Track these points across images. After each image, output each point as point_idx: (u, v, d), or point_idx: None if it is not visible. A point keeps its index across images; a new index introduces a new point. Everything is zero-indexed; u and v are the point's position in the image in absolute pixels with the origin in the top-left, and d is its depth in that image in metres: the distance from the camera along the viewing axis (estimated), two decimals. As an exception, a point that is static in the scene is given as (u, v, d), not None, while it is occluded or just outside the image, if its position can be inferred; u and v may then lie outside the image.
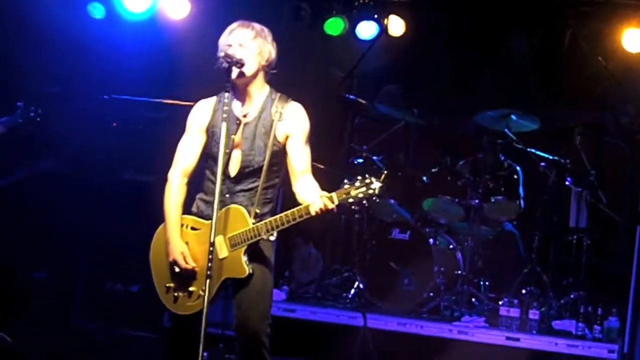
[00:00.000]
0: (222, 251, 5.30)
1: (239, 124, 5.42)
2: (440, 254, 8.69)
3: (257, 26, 5.45)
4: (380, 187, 5.01)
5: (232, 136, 5.38)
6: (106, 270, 8.97)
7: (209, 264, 5.09)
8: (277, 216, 5.19)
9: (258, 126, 5.39)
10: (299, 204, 5.19)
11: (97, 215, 9.00)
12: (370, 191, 5.00)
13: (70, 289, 8.84)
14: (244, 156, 5.38)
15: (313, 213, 5.09)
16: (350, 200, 5.04)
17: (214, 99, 5.52)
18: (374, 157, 9.10)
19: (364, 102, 9.26)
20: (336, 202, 5.04)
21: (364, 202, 5.11)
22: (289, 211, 5.16)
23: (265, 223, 5.21)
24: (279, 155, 5.41)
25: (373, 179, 5.02)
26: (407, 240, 8.71)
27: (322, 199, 5.04)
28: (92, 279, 8.93)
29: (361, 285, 8.69)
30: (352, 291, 8.79)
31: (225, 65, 5.23)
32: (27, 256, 8.68)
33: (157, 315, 8.28)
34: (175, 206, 5.46)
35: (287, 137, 5.40)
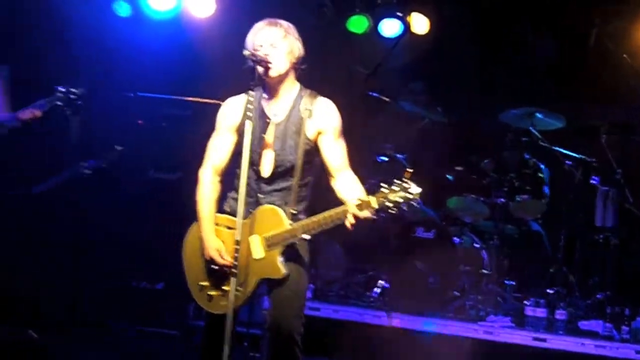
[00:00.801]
0: (259, 251, 5.23)
1: (269, 123, 5.34)
2: (465, 252, 8.59)
3: (285, 24, 5.38)
4: (420, 193, 4.88)
5: (263, 135, 5.30)
6: (132, 268, 8.86)
7: (235, 262, 5.04)
8: (314, 218, 5.11)
9: (288, 125, 5.32)
10: (339, 201, 5.15)
11: (122, 213, 8.92)
12: (409, 196, 4.87)
13: (98, 286, 8.74)
14: (276, 156, 5.31)
15: (350, 221, 4.99)
16: (389, 204, 4.91)
17: (243, 96, 5.41)
18: (398, 155, 9.00)
19: (388, 100, 9.16)
20: (375, 207, 4.93)
21: (404, 207, 4.91)
22: (326, 213, 5.08)
23: (302, 225, 5.14)
24: (311, 153, 5.33)
25: (412, 183, 4.88)
26: (432, 239, 8.58)
27: (361, 205, 4.94)
28: (118, 277, 8.83)
29: (385, 284, 8.56)
30: (377, 290, 8.64)
31: (252, 63, 5.16)
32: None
33: (181, 313, 8.24)
34: (208, 204, 5.40)
35: (318, 134, 5.32)
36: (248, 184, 5.24)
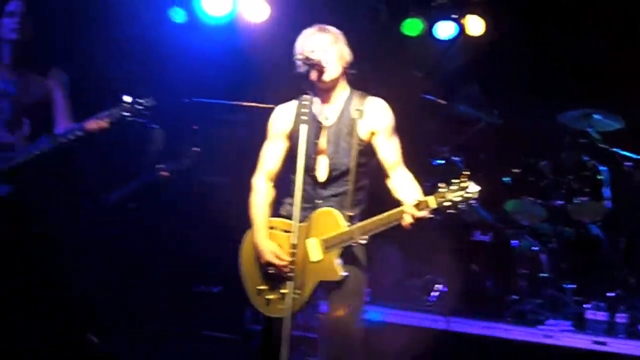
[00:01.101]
0: (316, 254, 5.23)
1: (321, 128, 5.34)
2: (524, 256, 8.50)
3: (334, 30, 5.42)
4: (479, 191, 4.85)
5: (316, 140, 5.31)
6: (188, 272, 8.90)
7: (292, 265, 5.04)
8: (371, 219, 5.11)
9: (340, 127, 5.32)
10: (396, 200, 5.13)
11: (177, 217, 8.95)
12: (468, 195, 4.86)
13: (156, 289, 8.78)
14: (330, 160, 5.32)
15: (408, 220, 4.97)
16: (447, 204, 4.90)
17: (293, 103, 5.47)
18: (454, 158, 8.95)
19: (443, 102, 9.15)
20: (433, 207, 4.91)
21: (462, 206, 4.87)
22: (383, 214, 5.07)
23: (359, 227, 5.13)
24: (366, 154, 5.33)
25: (470, 182, 4.87)
26: (489, 242, 8.62)
27: (419, 205, 4.93)
28: (175, 281, 8.87)
29: (443, 288, 8.53)
30: (434, 294, 8.63)
31: (305, 68, 5.17)
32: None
33: (239, 316, 8.24)
34: (262, 209, 5.43)
35: (372, 134, 5.33)
36: (305, 190, 5.27)
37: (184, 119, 9.13)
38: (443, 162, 8.91)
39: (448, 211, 4.91)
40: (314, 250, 5.23)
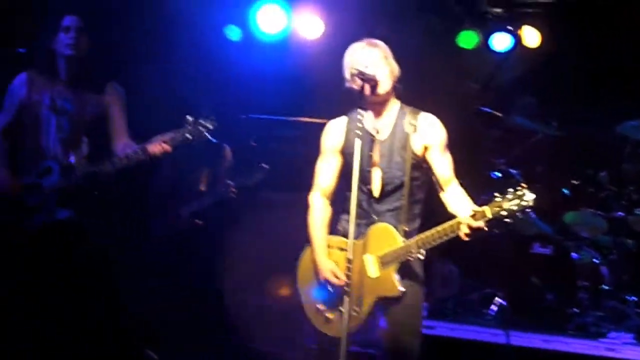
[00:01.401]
0: (374, 270, 5.24)
1: (374, 141, 5.36)
2: (584, 268, 8.42)
3: (382, 44, 5.44)
4: (535, 199, 4.83)
5: (370, 153, 5.32)
6: (248, 287, 8.94)
7: (348, 281, 5.01)
8: (428, 232, 5.10)
9: (394, 142, 5.34)
10: (450, 214, 5.14)
11: (236, 232, 8.99)
12: (524, 203, 4.83)
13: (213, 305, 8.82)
14: (383, 173, 5.33)
15: (464, 231, 4.96)
16: (504, 213, 4.87)
17: (344, 118, 5.51)
18: (512, 170, 8.88)
19: (500, 114, 9.08)
20: (489, 217, 4.88)
21: (518, 214, 4.85)
22: (439, 227, 5.06)
23: (416, 240, 5.12)
24: (420, 168, 5.34)
25: (525, 190, 4.85)
26: (549, 255, 8.57)
27: (476, 216, 4.92)
28: (235, 296, 8.91)
29: (503, 302, 8.47)
30: (493, 307, 8.57)
31: (358, 82, 5.20)
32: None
33: (296, 333, 8.24)
34: (320, 227, 5.46)
35: (425, 149, 5.34)
36: (361, 206, 5.30)
37: (241, 135, 9.20)
38: (500, 174, 8.85)
39: (505, 220, 4.88)
40: (371, 267, 5.24)
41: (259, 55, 9.80)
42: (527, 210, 4.86)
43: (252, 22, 9.70)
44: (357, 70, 5.20)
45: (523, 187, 4.87)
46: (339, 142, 5.47)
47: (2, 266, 6.12)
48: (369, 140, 5.35)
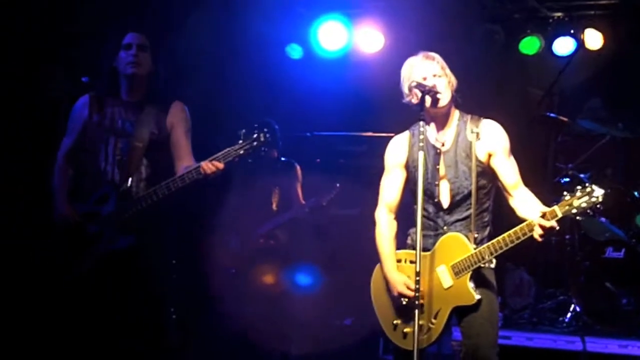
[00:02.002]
0: (447, 280, 5.26)
1: (439, 154, 5.40)
2: None
3: (438, 56, 5.45)
4: (604, 194, 4.83)
5: (437, 167, 5.36)
6: (320, 303, 9.00)
7: (417, 293, 5.02)
8: (500, 237, 5.10)
9: (458, 151, 5.36)
10: (519, 220, 5.11)
11: (307, 249, 9.06)
12: (594, 199, 4.84)
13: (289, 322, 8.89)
14: (451, 184, 5.36)
15: (537, 232, 4.96)
16: (574, 211, 4.88)
17: (406, 133, 5.56)
18: (581, 175, 8.82)
19: (565, 119, 8.98)
20: (560, 216, 4.90)
21: (589, 212, 4.86)
22: (511, 231, 5.07)
23: (488, 246, 5.13)
24: (485, 175, 5.36)
25: (594, 186, 4.86)
26: (623, 259, 8.38)
27: (546, 216, 4.92)
28: (306, 313, 8.97)
29: (577, 308, 8.40)
30: (569, 315, 8.49)
31: (419, 94, 5.22)
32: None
33: (372, 348, 8.28)
34: (388, 243, 5.49)
35: (489, 156, 5.35)
36: (430, 218, 5.37)
37: (307, 153, 9.29)
38: (569, 179, 8.79)
39: (577, 218, 4.90)
40: (445, 277, 5.26)
41: (321, 72, 9.98)
42: (598, 206, 4.86)
43: (313, 40, 9.88)
44: (416, 82, 5.24)
45: (591, 185, 4.88)
46: (403, 157, 5.50)
47: (66, 297, 5.94)
48: (434, 153, 5.39)
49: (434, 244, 5.35)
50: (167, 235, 6.13)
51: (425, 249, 5.29)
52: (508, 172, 5.35)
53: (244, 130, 5.73)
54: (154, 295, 5.95)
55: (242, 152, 5.68)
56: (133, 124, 6.04)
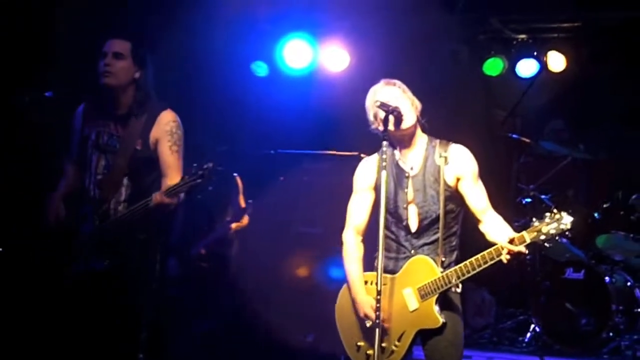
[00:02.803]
0: (413, 303, 5.29)
1: (407, 177, 5.44)
2: (618, 291, 8.43)
3: (400, 82, 5.47)
4: (573, 222, 4.91)
5: (405, 190, 5.41)
6: (282, 321, 9.05)
7: (377, 313, 5.05)
8: (467, 261, 5.14)
9: (426, 175, 5.38)
10: (488, 244, 5.16)
11: (270, 267, 9.13)
12: (562, 226, 4.91)
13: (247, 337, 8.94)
14: (419, 208, 5.39)
15: (505, 257, 5.02)
16: (542, 237, 4.95)
17: (375, 156, 5.55)
18: (542, 196, 9.01)
19: (528, 140, 9.20)
20: (528, 242, 4.96)
21: (557, 238, 4.98)
22: (478, 255, 5.11)
23: (455, 270, 5.17)
24: (454, 200, 5.39)
25: (563, 213, 4.93)
26: (582, 280, 8.54)
27: (514, 241, 4.99)
28: (269, 330, 9.02)
29: (537, 328, 8.55)
30: (529, 334, 8.71)
31: (382, 115, 5.26)
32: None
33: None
34: (355, 264, 5.52)
35: (457, 180, 5.37)
36: (398, 241, 5.41)
37: (270, 170, 9.35)
38: (531, 200, 8.98)
39: (545, 245, 4.99)
40: (411, 300, 5.29)
41: (286, 90, 10.04)
42: (566, 233, 4.97)
43: (278, 57, 9.95)
44: (380, 102, 5.26)
45: (560, 211, 4.96)
46: (372, 179, 5.53)
47: (39, 313, 5.98)
48: (402, 177, 5.44)
49: (401, 266, 5.38)
50: (141, 258, 5.81)
51: (392, 272, 5.35)
52: (477, 196, 5.37)
53: (195, 165, 5.53)
54: (125, 316, 5.77)
55: (192, 184, 5.44)
56: (119, 139, 5.77)
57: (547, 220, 4.93)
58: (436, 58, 9.93)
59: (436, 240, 5.34)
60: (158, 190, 5.60)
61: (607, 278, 8.45)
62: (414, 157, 5.46)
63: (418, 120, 5.43)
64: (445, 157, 5.37)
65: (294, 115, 9.75)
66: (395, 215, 5.39)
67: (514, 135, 9.25)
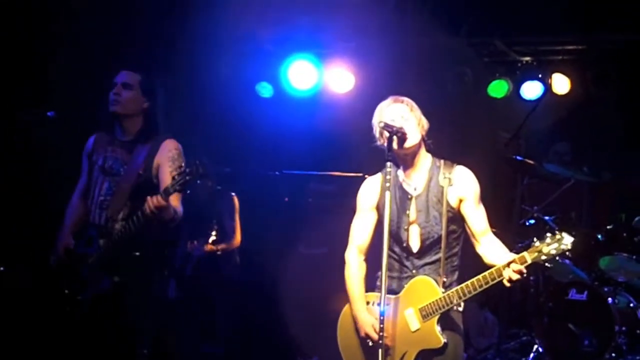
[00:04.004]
0: (415, 323, 5.43)
1: (410, 199, 5.57)
2: (621, 313, 8.49)
3: (408, 99, 5.61)
4: (573, 242, 5.04)
5: (407, 211, 5.54)
6: (286, 339, 9.20)
7: (380, 333, 5.21)
8: (469, 282, 5.27)
9: (429, 196, 5.52)
10: (487, 267, 5.30)
11: (273, 288, 9.28)
12: (563, 246, 5.04)
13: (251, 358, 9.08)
14: (422, 229, 5.52)
15: (507, 277, 5.14)
16: (543, 258, 5.08)
17: (378, 175, 5.69)
18: (546, 218, 9.12)
19: (532, 162, 9.28)
20: (529, 262, 5.09)
21: (559, 259, 5.15)
22: (480, 275, 5.24)
23: (457, 290, 5.31)
24: (456, 221, 5.53)
25: (564, 234, 5.06)
26: (585, 301, 8.59)
27: (515, 261, 5.11)
28: (276, 348, 9.17)
29: (540, 349, 8.66)
30: (532, 355, 8.76)
31: (386, 135, 5.36)
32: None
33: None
34: (357, 284, 5.67)
35: (460, 202, 5.51)
36: (399, 262, 5.56)
37: (275, 191, 9.51)
38: (535, 222, 9.10)
39: (547, 264, 5.12)
40: (412, 320, 5.43)
41: (291, 111, 10.27)
42: (567, 253, 5.10)
43: (283, 79, 10.16)
44: (384, 123, 5.38)
45: (561, 231, 5.09)
46: (375, 199, 5.67)
47: (59, 339, 6.10)
48: (405, 197, 5.58)
49: (404, 286, 5.52)
50: (140, 275, 6.05)
51: (394, 292, 5.50)
52: (477, 219, 5.50)
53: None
54: (125, 334, 5.99)
55: (177, 187, 5.67)
56: (124, 164, 6.12)
57: (547, 240, 5.07)
58: (441, 80, 10.14)
59: (438, 260, 5.48)
60: None
61: (610, 299, 8.51)
62: (418, 177, 5.60)
63: (423, 140, 5.57)
64: (450, 179, 5.51)
65: (299, 136, 9.93)
66: (396, 237, 5.53)
67: (518, 157, 9.32)
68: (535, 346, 8.76)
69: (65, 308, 6.04)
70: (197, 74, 9.42)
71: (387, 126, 5.36)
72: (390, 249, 5.46)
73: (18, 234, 7.53)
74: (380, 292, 5.34)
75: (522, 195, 9.76)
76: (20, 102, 7.49)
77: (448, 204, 5.49)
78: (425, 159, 5.63)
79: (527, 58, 10.21)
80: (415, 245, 5.55)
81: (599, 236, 8.99)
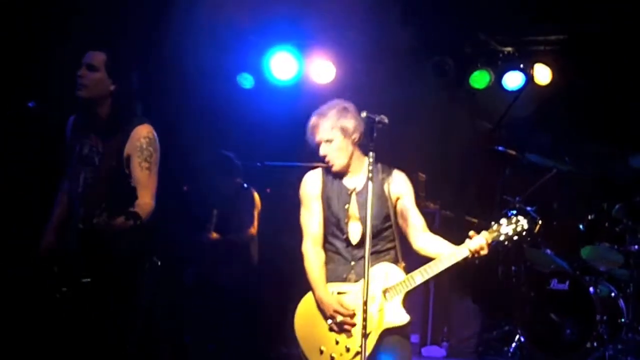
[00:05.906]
0: (378, 304, 5.72)
1: (350, 194, 5.95)
2: (602, 302, 8.72)
3: (334, 109, 6.01)
4: (530, 222, 5.53)
5: (347, 206, 5.91)
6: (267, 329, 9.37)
7: (364, 322, 5.38)
8: (431, 262, 5.65)
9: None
10: (427, 260, 5.66)
11: (257, 279, 9.42)
12: (519, 228, 5.54)
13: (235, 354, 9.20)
14: (362, 223, 5.87)
15: (468, 254, 5.53)
16: (502, 238, 5.55)
17: (319, 169, 6.09)
18: (528, 208, 9.28)
19: (513, 152, 9.53)
20: (489, 241, 5.52)
21: (515, 238, 5.49)
22: (442, 256, 5.62)
23: (420, 270, 5.68)
24: (393, 217, 5.90)
25: (520, 217, 5.55)
26: (567, 290, 8.83)
27: (476, 239, 5.52)
28: (255, 343, 9.31)
29: (522, 338, 8.87)
30: (514, 344, 8.98)
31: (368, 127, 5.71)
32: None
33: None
34: (317, 270, 5.95)
35: (397, 199, 5.93)
36: (340, 253, 5.93)
37: (257, 182, 9.62)
38: (516, 212, 9.22)
39: (506, 244, 5.52)
40: (376, 302, 5.71)
41: (272, 102, 10.37)
42: (523, 234, 5.53)
43: (265, 69, 10.33)
44: (365, 113, 5.59)
45: (517, 215, 5.59)
46: (318, 190, 6.02)
47: (34, 333, 6.03)
48: (345, 194, 5.96)
49: (345, 276, 5.87)
50: (121, 273, 5.80)
51: (346, 279, 5.87)
52: (416, 215, 5.92)
53: None
54: (110, 332, 5.80)
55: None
56: (99, 153, 5.80)
57: (504, 221, 5.59)
58: (422, 70, 10.29)
59: (375, 252, 5.78)
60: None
61: (591, 289, 8.75)
62: (358, 176, 6.00)
63: (355, 146, 5.96)
64: (388, 177, 5.94)
65: (281, 127, 9.96)
66: (338, 229, 5.91)
67: (500, 148, 9.57)
68: (517, 335, 8.98)
69: (44, 307, 5.89)
70: (177, 65, 9.48)
71: (368, 118, 5.61)
72: (329, 241, 5.95)
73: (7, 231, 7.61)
74: (334, 281, 5.87)
75: (503, 186, 9.94)
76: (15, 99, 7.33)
77: (386, 200, 5.89)
78: (362, 159, 6.01)
79: (509, 48, 10.42)
80: (355, 238, 5.91)
81: (581, 226, 9.27)
